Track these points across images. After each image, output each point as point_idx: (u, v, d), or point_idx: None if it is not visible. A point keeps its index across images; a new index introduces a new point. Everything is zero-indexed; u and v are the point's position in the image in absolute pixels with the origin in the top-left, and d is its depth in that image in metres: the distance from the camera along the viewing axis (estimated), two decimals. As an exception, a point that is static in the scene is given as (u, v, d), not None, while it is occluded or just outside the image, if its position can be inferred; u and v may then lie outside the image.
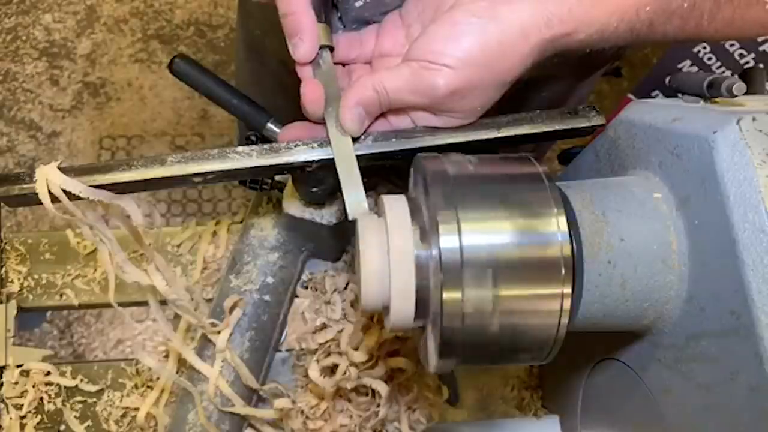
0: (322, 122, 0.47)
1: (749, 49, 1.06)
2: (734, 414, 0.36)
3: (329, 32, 0.47)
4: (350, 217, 0.44)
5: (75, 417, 0.70)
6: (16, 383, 0.69)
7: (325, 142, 0.47)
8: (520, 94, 0.50)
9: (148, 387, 0.71)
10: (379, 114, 0.46)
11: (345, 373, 0.64)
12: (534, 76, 0.44)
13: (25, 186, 0.46)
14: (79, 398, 0.71)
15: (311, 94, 0.46)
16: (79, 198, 0.45)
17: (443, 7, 0.44)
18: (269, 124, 0.55)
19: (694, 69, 1.11)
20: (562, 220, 0.38)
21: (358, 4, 0.50)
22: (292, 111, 0.49)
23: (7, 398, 0.69)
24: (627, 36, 0.41)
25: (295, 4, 0.44)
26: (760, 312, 0.33)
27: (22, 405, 0.69)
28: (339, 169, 0.46)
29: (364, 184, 0.45)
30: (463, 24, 0.40)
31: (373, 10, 0.51)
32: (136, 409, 0.70)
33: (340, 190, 0.45)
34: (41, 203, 0.46)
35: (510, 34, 0.40)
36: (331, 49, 0.48)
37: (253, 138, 0.57)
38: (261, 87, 0.74)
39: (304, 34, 0.45)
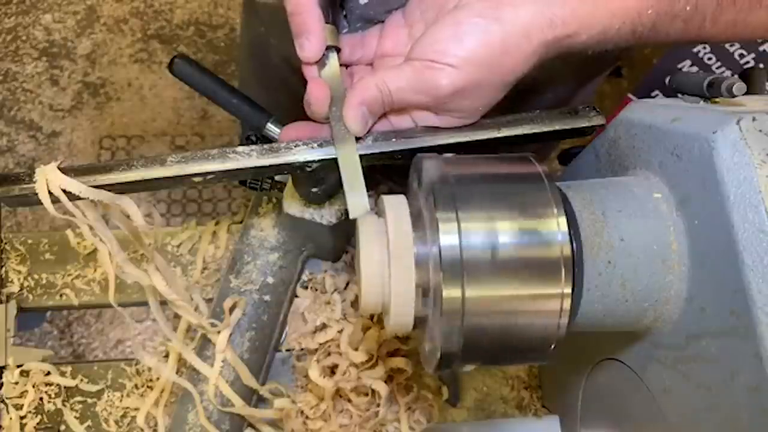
0: (325, 122, 0.47)
1: (749, 49, 1.06)
2: (734, 414, 0.36)
3: (336, 33, 0.47)
4: (351, 217, 0.45)
5: (75, 417, 0.70)
6: (16, 383, 0.69)
7: (326, 142, 0.47)
8: (522, 97, 0.50)
9: (148, 387, 0.71)
10: (382, 113, 0.46)
11: (345, 373, 0.64)
12: (536, 78, 0.44)
13: (25, 186, 0.46)
14: (79, 398, 0.71)
15: (317, 93, 0.46)
16: (79, 198, 0.45)
17: (446, 6, 0.44)
18: (269, 124, 0.55)
19: (694, 69, 1.10)
20: (562, 220, 0.38)
21: (363, 1, 0.50)
22: (295, 109, 0.49)
23: (7, 398, 0.69)
24: (629, 38, 0.41)
25: (303, 4, 0.44)
26: (760, 312, 0.33)
27: (22, 405, 0.69)
28: (342, 169, 0.46)
29: (366, 183, 0.45)
30: (466, 24, 0.40)
31: (378, 9, 0.51)
32: (136, 409, 0.70)
33: (342, 189, 0.45)
34: (41, 203, 0.46)
35: (513, 35, 0.40)
36: (338, 50, 0.48)
37: (253, 138, 0.57)
38: (264, 85, 0.74)
39: (311, 33, 0.45)
